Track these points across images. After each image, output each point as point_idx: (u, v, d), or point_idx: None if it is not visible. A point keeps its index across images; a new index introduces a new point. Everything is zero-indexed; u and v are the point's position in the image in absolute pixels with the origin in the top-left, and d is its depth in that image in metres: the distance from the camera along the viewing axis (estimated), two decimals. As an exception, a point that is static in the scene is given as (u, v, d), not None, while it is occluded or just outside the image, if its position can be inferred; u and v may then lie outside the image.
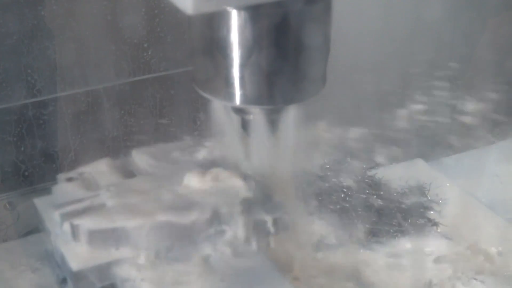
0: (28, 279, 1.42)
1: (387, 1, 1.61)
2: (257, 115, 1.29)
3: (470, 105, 1.76)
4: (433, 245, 1.52)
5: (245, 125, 1.32)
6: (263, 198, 1.37)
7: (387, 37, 1.63)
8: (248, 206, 1.35)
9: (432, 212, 1.60)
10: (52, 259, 1.39)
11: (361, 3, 1.55)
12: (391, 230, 1.54)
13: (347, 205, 1.57)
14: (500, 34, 1.77)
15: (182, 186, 1.38)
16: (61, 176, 1.44)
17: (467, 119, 1.75)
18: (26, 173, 1.54)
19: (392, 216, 1.57)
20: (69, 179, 1.43)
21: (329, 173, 1.63)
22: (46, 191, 1.46)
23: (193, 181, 1.38)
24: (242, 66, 1.20)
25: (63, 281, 1.35)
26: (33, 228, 1.49)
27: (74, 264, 1.28)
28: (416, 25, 1.65)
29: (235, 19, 1.17)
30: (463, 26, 1.74)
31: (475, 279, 1.44)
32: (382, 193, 1.61)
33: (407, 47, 1.68)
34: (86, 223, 1.31)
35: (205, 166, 1.42)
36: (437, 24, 1.67)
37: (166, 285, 1.27)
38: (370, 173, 1.66)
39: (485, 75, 1.73)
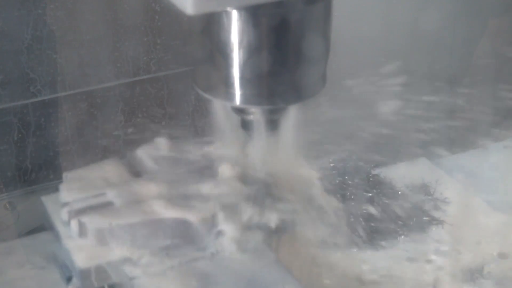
0: (34, 277, 1.43)
1: (387, 2, 1.61)
2: (257, 115, 1.28)
3: (471, 106, 1.75)
4: (437, 243, 1.52)
5: (245, 125, 1.32)
6: (264, 198, 1.37)
7: (387, 37, 1.63)
8: (249, 206, 1.35)
9: (436, 210, 1.60)
10: (59, 257, 1.39)
11: (362, 3, 1.55)
12: (397, 229, 1.54)
13: (352, 204, 1.56)
14: (499, 35, 1.77)
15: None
16: (68, 174, 1.45)
17: (468, 120, 1.75)
18: (26, 173, 1.54)
19: (396, 215, 1.56)
20: (76, 177, 1.44)
21: (333, 172, 1.63)
22: (51, 189, 1.47)
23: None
24: (242, 66, 1.19)
25: (69, 279, 1.35)
26: (33, 228, 1.50)
27: (81, 262, 1.29)
28: (416, 26, 1.65)
29: (235, 19, 1.16)
30: (463, 28, 1.74)
31: (478, 277, 1.44)
32: (386, 192, 1.61)
33: (407, 47, 1.68)
34: (93, 221, 1.32)
35: (206, 166, 1.42)
36: (437, 25, 1.67)
37: (171, 284, 1.28)
38: (375, 172, 1.66)
39: (485, 76, 1.73)
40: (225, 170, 1.40)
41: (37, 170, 1.54)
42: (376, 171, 1.66)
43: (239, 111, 1.30)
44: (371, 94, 1.59)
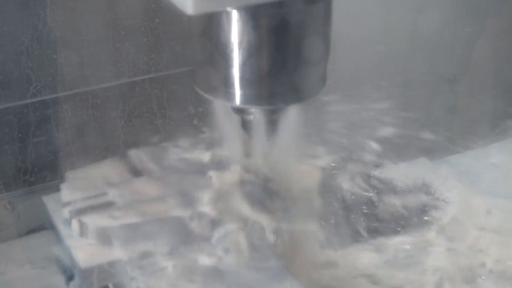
0: (34, 277, 1.43)
1: (387, 2, 1.62)
2: (257, 115, 1.29)
3: (471, 105, 1.75)
4: (438, 243, 1.52)
5: (245, 125, 1.32)
6: (264, 197, 1.37)
7: (388, 38, 1.63)
8: (250, 205, 1.35)
9: (437, 210, 1.60)
10: (60, 257, 1.39)
11: (362, 4, 1.56)
12: (397, 229, 1.54)
13: (352, 204, 1.57)
14: (499, 35, 1.77)
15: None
16: (70, 174, 1.45)
17: (468, 119, 1.75)
18: (26, 173, 1.54)
19: (397, 215, 1.56)
20: (77, 177, 1.44)
21: (333, 172, 1.63)
22: (51, 189, 1.47)
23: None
24: (242, 66, 1.20)
25: (70, 278, 1.35)
26: (33, 228, 1.50)
27: (82, 261, 1.29)
28: (416, 26, 1.65)
29: (235, 19, 1.17)
30: (463, 28, 1.74)
31: (478, 277, 1.44)
32: (386, 192, 1.61)
33: (407, 47, 1.68)
34: (95, 221, 1.32)
35: (206, 166, 1.42)
36: (437, 25, 1.67)
37: (172, 284, 1.28)
38: (375, 172, 1.66)
39: (485, 75, 1.74)
40: (225, 170, 1.40)
41: (37, 170, 1.54)
42: (376, 171, 1.66)
43: (239, 111, 1.30)
44: (370, 93, 1.59)
